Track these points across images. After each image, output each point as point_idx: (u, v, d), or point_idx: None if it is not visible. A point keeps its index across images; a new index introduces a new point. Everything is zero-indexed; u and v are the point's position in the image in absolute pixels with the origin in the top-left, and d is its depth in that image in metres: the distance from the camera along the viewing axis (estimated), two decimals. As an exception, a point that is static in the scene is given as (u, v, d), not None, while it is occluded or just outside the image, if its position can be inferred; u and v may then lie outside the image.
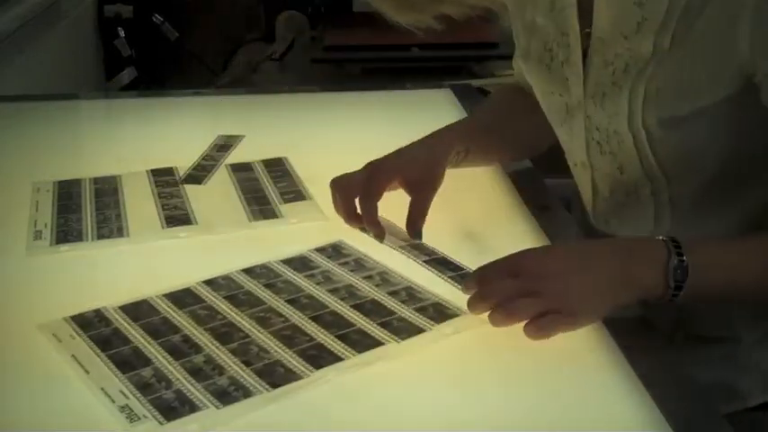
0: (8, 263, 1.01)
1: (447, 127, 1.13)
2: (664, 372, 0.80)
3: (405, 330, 0.84)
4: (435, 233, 0.99)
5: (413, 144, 1.07)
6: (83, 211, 1.12)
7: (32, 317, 0.87)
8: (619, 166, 1.00)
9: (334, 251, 1.00)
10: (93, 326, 0.86)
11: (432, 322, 0.85)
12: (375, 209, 1.00)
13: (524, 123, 1.17)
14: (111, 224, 1.09)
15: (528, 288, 0.81)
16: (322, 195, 1.10)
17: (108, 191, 1.18)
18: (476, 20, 1.06)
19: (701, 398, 0.77)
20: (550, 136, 1.12)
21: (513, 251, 0.86)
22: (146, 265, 1.01)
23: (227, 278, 0.95)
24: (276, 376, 0.77)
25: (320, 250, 1.01)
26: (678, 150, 0.95)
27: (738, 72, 0.88)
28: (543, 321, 0.80)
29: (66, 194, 1.17)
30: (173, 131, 1.44)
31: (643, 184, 0.99)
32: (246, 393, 0.75)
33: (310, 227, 1.08)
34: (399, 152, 1.05)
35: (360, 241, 1.02)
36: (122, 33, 2.56)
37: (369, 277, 0.94)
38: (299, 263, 0.98)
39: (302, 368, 0.78)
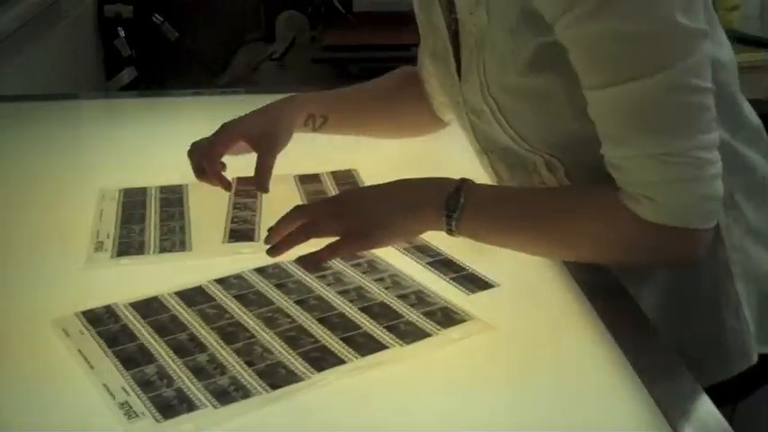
0: (67, 271, 0.99)
1: (307, 93, 1.18)
2: (664, 372, 0.80)
3: (411, 334, 0.84)
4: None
5: (268, 104, 1.14)
6: (146, 221, 1.09)
7: (49, 312, 0.88)
8: (494, 143, 1.03)
9: (348, 252, 1.00)
10: (102, 322, 0.87)
11: (438, 327, 0.85)
12: (217, 164, 1.08)
13: (406, 104, 1.22)
14: (174, 237, 1.05)
15: (334, 210, 0.93)
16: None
17: (174, 201, 1.15)
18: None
19: (702, 397, 0.76)
20: (435, 123, 1.20)
21: None
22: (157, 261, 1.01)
23: (238, 277, 0.95)
24: (277, 377, 0.77)
25: (334, 251, 1.00)
26: (531, 124, 0.96)
27: (532, 17, 0.89)
28: (338, 243, 0.90)
29: (132, 203, 1.14)
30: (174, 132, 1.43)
31: (534, 160, 1.00)
32: (246, 394, 0.75)
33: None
34: (252, 112, 1.12)
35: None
36: (122, 33, 2.55)
37: (380, 279, 0.94)
38: (312, 263, 0.98)
39: (303, 370, 0.78)
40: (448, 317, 0.87)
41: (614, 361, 0.80)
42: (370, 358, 0.80)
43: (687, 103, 0.85)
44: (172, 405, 0.73)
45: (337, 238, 0.91)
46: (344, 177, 1.22)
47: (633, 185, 0.87)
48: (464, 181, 0.92)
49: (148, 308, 0.89)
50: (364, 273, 0.95)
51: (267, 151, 1.08)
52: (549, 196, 0.96)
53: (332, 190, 1.18)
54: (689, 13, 0.83)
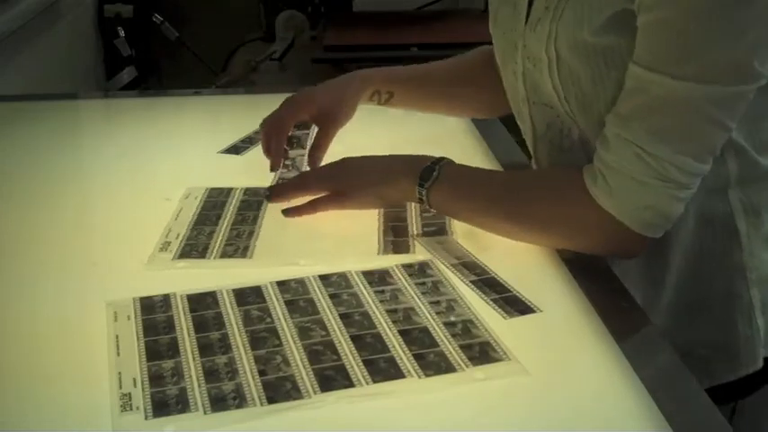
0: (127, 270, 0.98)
1: (374, 69, 1.20)
2: (665, 372, 0.81)
3: (434, 366, 0.79)
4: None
5: (335, 78, 1.18)
6: (219, 223, 1.07)
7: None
8: (540, 96, 1.03)
9: (420, 269, 0.96)
10: (153, 310, 0.89)
11: (468, 363, 0.80)
12: (278, 139, 1.13)
13: (479, 84, 1.23)
14: (239, 242, 1.03)
15: (325, 173, 1.07)
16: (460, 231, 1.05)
17: (253, 204, 1.12)
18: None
19: (702, 397, 0.76)
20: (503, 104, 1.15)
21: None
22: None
23: (299, 282, 0.94)
24: (279, 391, 0.75)
25: (407, 266, 0.97)
26: (579, 87, 0.96)
27: None
28: (320, 200, 1.04)
29: (213, 204, 1.12)
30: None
31: (570, 125, 1.01)
32: (241, 403, 0.74)
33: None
34: (320, 86, 1.17)
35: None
36: (122, 33, 2.56)
37: (436, 303, 0.90)
38: (378, 276, 0.95)
39: (309, 388, 0.76)
40: (484, 353, 0.81)
41: (614, 361, 0.80)
42: (380, 386, 0.77)
43: (698, 126, 0.87)
44: (168, 404, 0.74)
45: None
46: None
47: (604, 163, 0.91)
48: (443, 158, 1.00)
49: (200, 302, 0.90)
50: (423, 293, 0.92)
51: (327, 128, 1.14)
52: (516, 179, 1.03)
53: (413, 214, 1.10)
54: (762, 57, 0.85)
